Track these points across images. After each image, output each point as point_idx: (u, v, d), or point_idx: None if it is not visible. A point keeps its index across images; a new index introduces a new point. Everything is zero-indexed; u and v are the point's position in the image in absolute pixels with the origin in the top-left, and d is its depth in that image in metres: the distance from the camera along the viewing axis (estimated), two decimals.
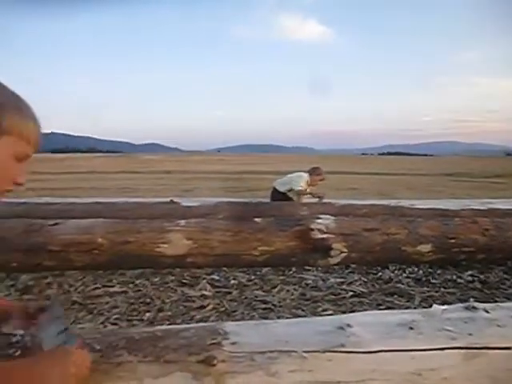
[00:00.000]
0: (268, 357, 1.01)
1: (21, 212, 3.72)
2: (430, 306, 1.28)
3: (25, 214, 3.63)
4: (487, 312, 1.22)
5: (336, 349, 1.04)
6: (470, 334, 1.11)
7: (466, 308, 1.24)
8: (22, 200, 4.39)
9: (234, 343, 1.03)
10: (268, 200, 5.11)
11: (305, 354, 1.02)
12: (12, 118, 0.75)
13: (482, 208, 4.11)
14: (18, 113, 0.76)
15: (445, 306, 1.28)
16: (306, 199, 4.93)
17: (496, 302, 2.31)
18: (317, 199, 4.75)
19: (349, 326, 1.11)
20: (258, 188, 12.45)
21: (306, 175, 5.19)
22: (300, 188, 5.06)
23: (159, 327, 1.21)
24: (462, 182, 17.26)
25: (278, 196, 5.16)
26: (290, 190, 5.17)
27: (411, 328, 1.13)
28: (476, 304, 1.26)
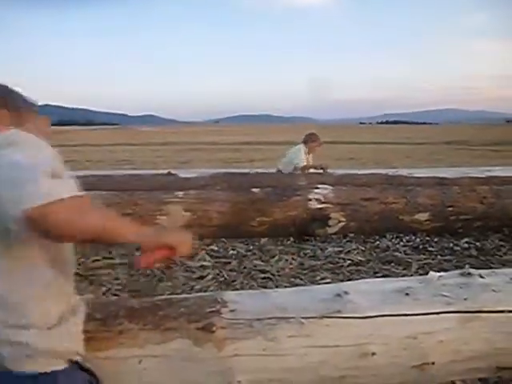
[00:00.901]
0: (266, 323, 1.03)
1: None
2: (427, 274, 1.29)
3: None
4: (482, 277, 1.24)
5: (333, 314, 1.05)
6: (466, 299, 1.13)
7: (462, 274, 1.26)
8: None
9: (232, 311, 1.05)
10: (266, 170, 5.08)
11: (303, 320, 1.03)
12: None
13: (480, 176, 4.11)
14: None
15: (441, 273, 1.29)
16: (309, 171, 4.87)
17: (491, 268, 2.34)
18: (321, 171, 4.67)
19: (346, 293, 1.12)
20: (257, 159, 12.40)
21: (302, 146, 5.14)
22: (303, 164, 5.03)
23: (159, 297, 1.22)
24: (461, 150, 17.18)
25: None
26: (295, 169, 5.13)
27: (407, 294, 1.14)
28: (472, 270, 1.27)
